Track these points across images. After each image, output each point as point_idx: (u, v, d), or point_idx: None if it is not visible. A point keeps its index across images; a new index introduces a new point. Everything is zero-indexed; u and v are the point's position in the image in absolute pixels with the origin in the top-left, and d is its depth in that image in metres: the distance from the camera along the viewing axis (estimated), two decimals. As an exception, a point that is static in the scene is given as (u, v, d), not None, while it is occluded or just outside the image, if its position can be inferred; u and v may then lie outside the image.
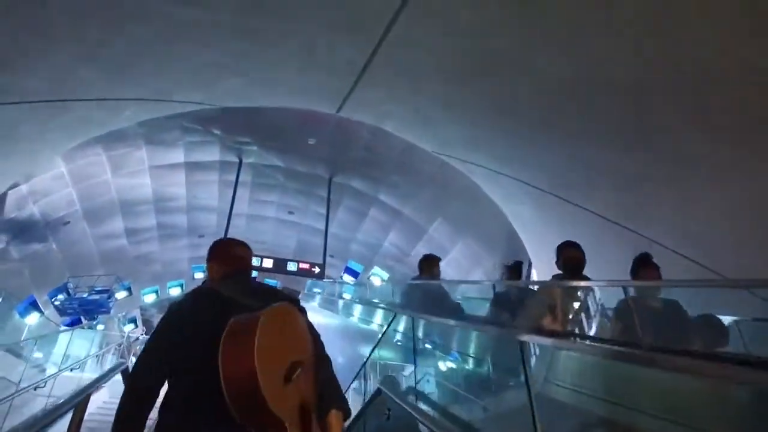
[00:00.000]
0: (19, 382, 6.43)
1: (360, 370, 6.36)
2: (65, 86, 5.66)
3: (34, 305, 19.77)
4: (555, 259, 4.60)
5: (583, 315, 4.06)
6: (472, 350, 5.36)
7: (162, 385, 2.08)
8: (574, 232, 5.33)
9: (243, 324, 1.77)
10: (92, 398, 8.29)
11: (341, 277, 21.57)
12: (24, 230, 18.14)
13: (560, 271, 4.50)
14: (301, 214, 22.14)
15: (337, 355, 8.15)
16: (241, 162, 18.48)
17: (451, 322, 5.10)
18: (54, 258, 20.06)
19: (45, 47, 5.09)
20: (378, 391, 4.73)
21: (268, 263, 17.70)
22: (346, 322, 10.89)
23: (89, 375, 10.90)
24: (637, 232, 6.10)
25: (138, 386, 2.06)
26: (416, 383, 5.23)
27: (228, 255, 2.41)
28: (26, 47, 4.94)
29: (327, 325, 11.24)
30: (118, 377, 12.30)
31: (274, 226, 23.26)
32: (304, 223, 22.70)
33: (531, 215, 8.06)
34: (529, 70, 4.98)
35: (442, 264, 6.51)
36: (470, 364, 5.52)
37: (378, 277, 23.58)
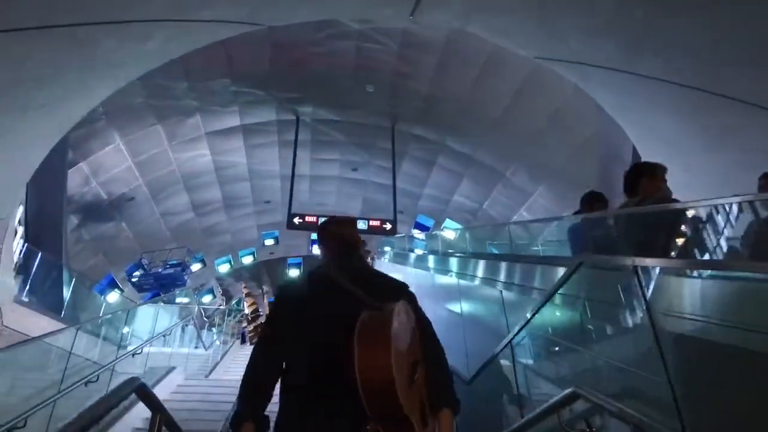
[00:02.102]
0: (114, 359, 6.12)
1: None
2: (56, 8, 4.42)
3: (112, 284, 20.01)
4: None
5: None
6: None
7: (279, 374, 2.07)
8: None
9: (375, 325, 1.78)
10: (167, 380, 7.69)
11: (411, 233, 20.37)
12: (92, 211, 18.18)
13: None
14: (364, 170, 21.04)
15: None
16: (298, 119, 17.47)
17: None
18: (125, 237, 20.16)
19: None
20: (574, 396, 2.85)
21: (336, 222, 16.75)
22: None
23: (173, 350, 10.49)
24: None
25: (256, 381, 2.05)
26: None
27: (338, 237, 2.35)
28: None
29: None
30: (198, 354, 11.85)
31: (338, 186, 22.33)
32: (368, 179, 21.61)
33: (664, 122, 6.30)
34: None
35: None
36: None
37: (451, 230, 22.26)
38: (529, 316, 3.45)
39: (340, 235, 2.33)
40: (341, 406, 1.83)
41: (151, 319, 12.01)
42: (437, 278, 6.94)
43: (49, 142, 8.00)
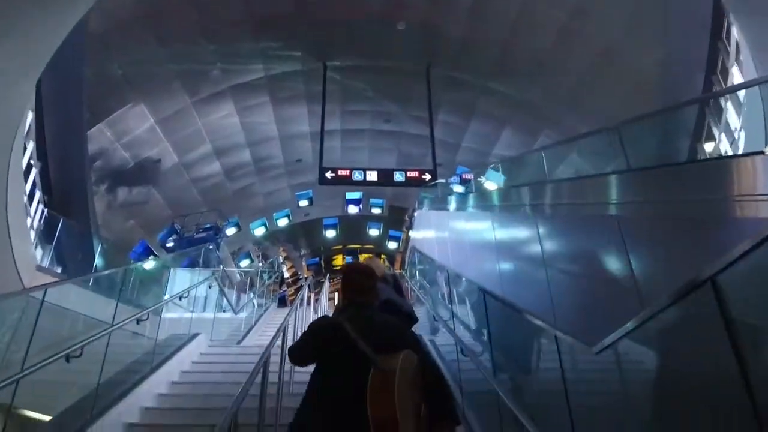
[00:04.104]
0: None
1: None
2: None
3: (147, 251, 19.61)
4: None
5: None
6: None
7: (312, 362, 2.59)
8: None
9: (382, 391, 2.17)
10: (189, 349, 6.89)
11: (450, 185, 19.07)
12: (119, 176, 17.65)
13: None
14: (398, 121, 19.74)
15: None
16: (325, 66, 16.20)
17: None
18: (155, 202, 19.66)
19: None
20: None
21: (371, 176, 15.63)
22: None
23: (195, 315, 9.78)
24: None
25: (296, 358, 2.66)
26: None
27: (352, 287, 2.75)
28: None
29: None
30: (226, 318, 11.13)
31: (371, 140, 21.11)
32: (402, 131, 20.31)
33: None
34: None
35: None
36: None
37: (493, 182, 20.86)
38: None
39: (357, 287, 2.72)
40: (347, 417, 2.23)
41: (179, 281, 11.43)
42: (502, 218, 5.70)
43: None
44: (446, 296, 6.79)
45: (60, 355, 3.71)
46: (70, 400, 4.36)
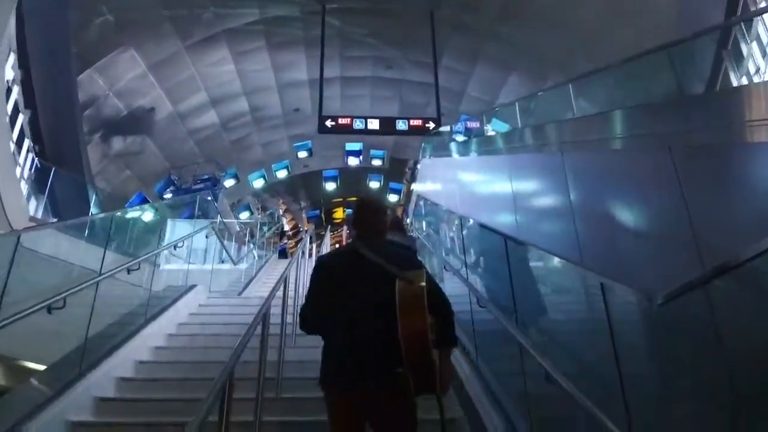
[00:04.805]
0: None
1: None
2: None
3: (144, 202, 19.26)
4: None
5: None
6: None
7: (325, 316, 2.55)
8: None
9: (412, 298, 2.26)
10: (186, 300, 6.62)
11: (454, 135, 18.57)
12: (113, 125, 17.10)
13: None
14: (400, 67, 18.98)
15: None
16: (324, 9, 15.38)
17: None
18: (151, 152, 19.18)
19: None
20: None
21: (373, 124, 15.07)
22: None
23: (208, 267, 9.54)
24: None
25: (309, 320, 2.61)
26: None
27: (363, 221, 2.75)
28: None
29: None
30: (225, 270, 10.87)
31: (372, 88, 20.38)
32: (404, 78, 19.58)
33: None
34: None
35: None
36: None
37: (497, 131, 20.28)
38: None
39: (369, 223, 2.74)
40: (371, 352, 2.34)
41: (177, 233, 11.09)
42: (519, 161, 5.25)
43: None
44: (453, 241, 6.47)
45: (41, 306, 3.39)
46: (58, 355, 4.09)
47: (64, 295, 3.56)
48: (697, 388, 1.92)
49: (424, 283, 2.29)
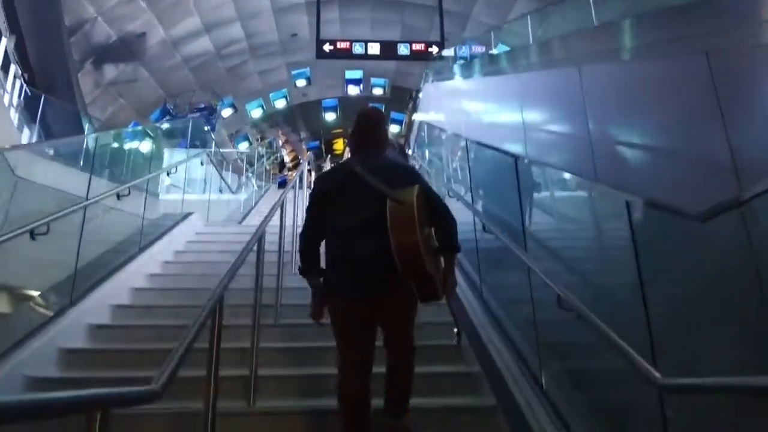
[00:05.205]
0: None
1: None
2: None
3: (142, 131, 18.88)
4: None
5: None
6: None
7: (324, 232, 2.64)
8: None
9: (403, 217, 2.34)
10: (182, 228, 6.47)
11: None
12: (103, 52, 16.40)
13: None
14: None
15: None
16: None
17: None
18: (144, 80, 18.54)
19: None
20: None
21: (373, 48, 14.42)
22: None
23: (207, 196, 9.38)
24: None
25: (309, 235, 2.66)
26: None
27: (362, 135, 2.80)
28: None
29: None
30: (224, 200, 10.70)
31: (372, 11, 19.36)
32: (407, 0, 18.56)
33: None
34: None
35: None
36: None
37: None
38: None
39: (366, 136, 2.78)
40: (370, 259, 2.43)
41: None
42: (531, 79, 4.85)
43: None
44: (457, 169, 6.22)
45: (23, 230, 3.21)
46: (49, 282, 3.98)
47: (47, 219, 3.37)
48: (730, 312, 1.75)
49: (414, 200, 2.36)
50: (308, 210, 2.69)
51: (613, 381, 2.37)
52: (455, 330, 3.58)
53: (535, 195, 3.44)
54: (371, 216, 2.41)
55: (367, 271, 2.41)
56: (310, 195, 2.77)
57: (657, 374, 1.52)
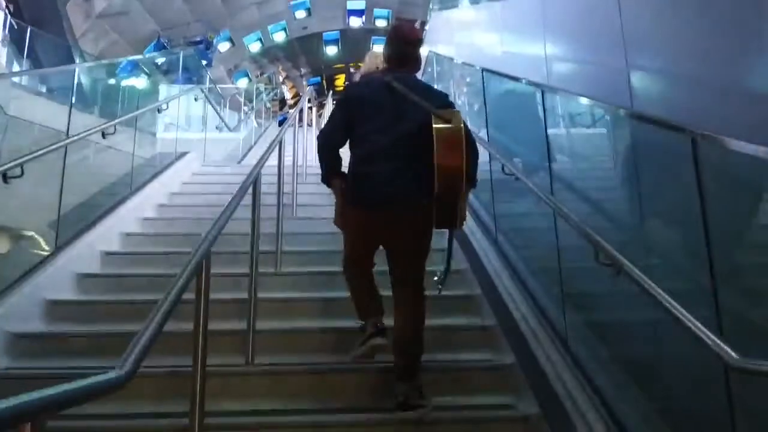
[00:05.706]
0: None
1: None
2: None
3: (137, 67, 18.20)
4: None
5: None
6: None
7: (343, 142, 2.59)
8: None
9: (452, 137, 2.26)
10: (177, 168, 6.14)
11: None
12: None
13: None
14: None
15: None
16: None
17: None
18: (136, 11, 17.65)
19: None
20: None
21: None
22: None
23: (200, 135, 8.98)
24: None
25: (330, 143, 2.58)
26: None
27: (396, 54, 2.64)
28: None
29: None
30: (222, 138, 10.30)
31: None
32: None
33: None
34: None
35: None
36: None
37: None
38: None
39: (402, 53, 2.63)
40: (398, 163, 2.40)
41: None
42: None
43: None
44: (471, 104, 5.81)
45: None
46: (33, 227, 3.70)
47: (21, 161, 3.03)
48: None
49: (462, 124, 2.29)
50: (332, 116, 2.63)
51: (652, 338, 2.12)
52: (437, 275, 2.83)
53: (560, 131, 3.09)
54: (406, 132, 2.35)
55: (393, 188, 2.35)
56: (338, 101, 2.79)
57: (734, 354, 1.23)
